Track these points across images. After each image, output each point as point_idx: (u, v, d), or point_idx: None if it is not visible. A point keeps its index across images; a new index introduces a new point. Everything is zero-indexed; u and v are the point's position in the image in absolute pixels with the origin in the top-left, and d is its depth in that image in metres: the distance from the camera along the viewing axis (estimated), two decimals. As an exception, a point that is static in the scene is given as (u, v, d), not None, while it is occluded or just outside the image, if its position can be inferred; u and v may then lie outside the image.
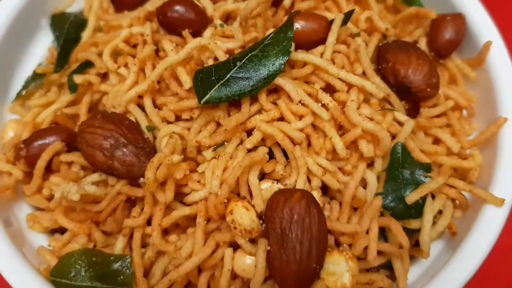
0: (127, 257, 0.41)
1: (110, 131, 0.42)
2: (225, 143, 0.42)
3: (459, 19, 0.50)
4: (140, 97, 0.45)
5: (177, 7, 0.47)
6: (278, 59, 0.42)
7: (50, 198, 0.45)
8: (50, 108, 0.48)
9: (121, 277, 0.41)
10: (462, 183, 0.44)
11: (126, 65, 0.47)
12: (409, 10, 0.51)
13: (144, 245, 0.43)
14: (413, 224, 0.42)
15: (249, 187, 0.41)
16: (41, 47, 0.55)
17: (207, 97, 0.42)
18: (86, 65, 0.48)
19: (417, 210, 0.42)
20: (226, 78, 0.42)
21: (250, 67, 0.42)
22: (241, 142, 0.42)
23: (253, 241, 0.40)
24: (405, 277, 0.42)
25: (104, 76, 0.48)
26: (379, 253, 0.42)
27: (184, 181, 0.42)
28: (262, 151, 0.41)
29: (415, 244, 0.43)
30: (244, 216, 0.39)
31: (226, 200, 0.40)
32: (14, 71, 0.53)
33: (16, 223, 0.46)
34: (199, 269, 0.42)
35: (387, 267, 0.43)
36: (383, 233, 0.43)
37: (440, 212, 0.43)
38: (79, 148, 0.43)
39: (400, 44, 0.47)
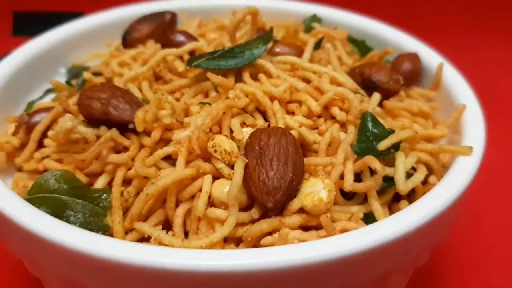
0: (107, 189, 0.42)
1: (108, 88, 0.47)
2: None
3: (414, 55, 0.59)
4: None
5: (179, 36, 0.57)
6: (260, 46, 0.50)
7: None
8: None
9: (97, 202, 0.40)
10: (431, 145, 0.46)
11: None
12: (373, 53, 0.60)
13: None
14: (387, 170, 0.43)
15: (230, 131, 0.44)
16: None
17: (196, 62, 0.48)
18: (96, 75, 0.56)
19: (389, 159, 0.44)
20: (214, 56, 0.49)
21: (236, 51, 0.50)
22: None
23: (232, 168, 0.41)
24: (385, 216, 0.41)
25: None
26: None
27: (170, 135, 0.45)
28: (244, 100, 0.45)
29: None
30: (224, 141, 0.42)
31: (208, 131, 0.43)
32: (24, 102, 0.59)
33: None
34: (177, 204, 0.41)
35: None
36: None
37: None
38: (78, 105, 0.47)
39: (365, 64, 0.56)
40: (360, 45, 0.64)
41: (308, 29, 0.65)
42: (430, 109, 0.54)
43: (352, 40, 0.65)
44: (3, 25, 1.04)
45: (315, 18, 0.69)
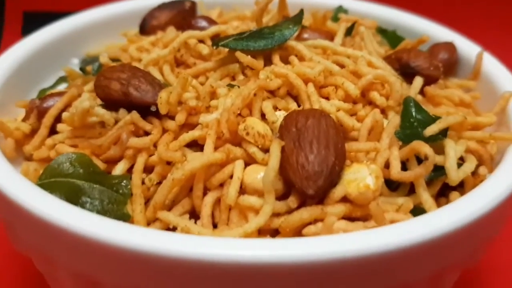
0: (127, 175, 0.38)
1: (129, 68, 0.43)
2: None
3: (450, 44, 0.56)
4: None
5: (200, 21, 0.54)
6: (291, 27, 0.47)
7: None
8: (68, 96, 0.50)
9: (116, 189, 0.36)
10: (480, 132, 0.42)
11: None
12: (406, 42, 0.57)
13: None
14: (436, 158, 0.39)
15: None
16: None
17: (223, 42, 0.44)
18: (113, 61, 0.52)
19: (435, 146, 0.40)
20: (242, 36, 0.46)
21: (266, 31, 0.46)
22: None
23: (265, 152, 0.37)
24: (435, 207, 0.37)
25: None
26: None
27: (195, 120, 0.41)
28: (277, 81, 0.42)
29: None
30: (257, 123, 0.38)
31: (239, 112, 0.39)
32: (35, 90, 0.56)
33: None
34: (204, 193, 0.37)
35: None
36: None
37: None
38: (95, 86, 0.43)
39: (400, 52, 0.52)
40: (390, 35, 0.61)
41: (335, 21, 0.62)
42: (471, 98, 0.50)
43: (381, 31, 0.61)
44: (13, 25, 1.01)
45: (341, 10, 0.65)
